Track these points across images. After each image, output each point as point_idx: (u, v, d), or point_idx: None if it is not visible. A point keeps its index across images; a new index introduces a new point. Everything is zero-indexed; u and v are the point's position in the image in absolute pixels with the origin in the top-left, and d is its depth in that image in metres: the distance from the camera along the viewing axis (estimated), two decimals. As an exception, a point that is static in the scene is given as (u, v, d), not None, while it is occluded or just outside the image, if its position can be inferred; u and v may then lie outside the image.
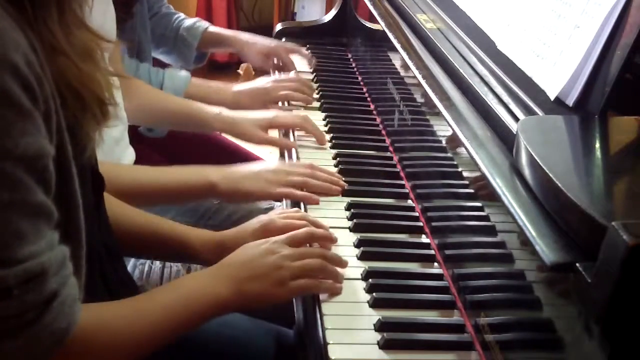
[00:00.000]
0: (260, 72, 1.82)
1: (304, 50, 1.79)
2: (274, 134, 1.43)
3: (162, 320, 0.82)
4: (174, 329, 0.83)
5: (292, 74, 1.64)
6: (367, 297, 0.95)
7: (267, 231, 1.01)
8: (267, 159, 1.65)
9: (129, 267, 1.19)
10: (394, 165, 1.30)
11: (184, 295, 0.86)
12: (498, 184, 0.81)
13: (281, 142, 1.38)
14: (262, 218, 1.04)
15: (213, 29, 1.78)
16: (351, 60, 1.82)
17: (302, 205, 1.16)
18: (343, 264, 0.99)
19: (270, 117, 1.40)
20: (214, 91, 1.58)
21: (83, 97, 0.70)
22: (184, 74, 1.57)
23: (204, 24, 1.77)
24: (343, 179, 1.22)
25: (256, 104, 1.54)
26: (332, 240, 1.03)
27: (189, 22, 1.76)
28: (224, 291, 0.87)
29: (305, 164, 1.22)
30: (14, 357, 0.66)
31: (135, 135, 1.41)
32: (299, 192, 1.16)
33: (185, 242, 1.02)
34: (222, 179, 1.13)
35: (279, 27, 1.96)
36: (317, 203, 1.16)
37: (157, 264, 1.29)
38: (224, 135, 1.72)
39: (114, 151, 1.26)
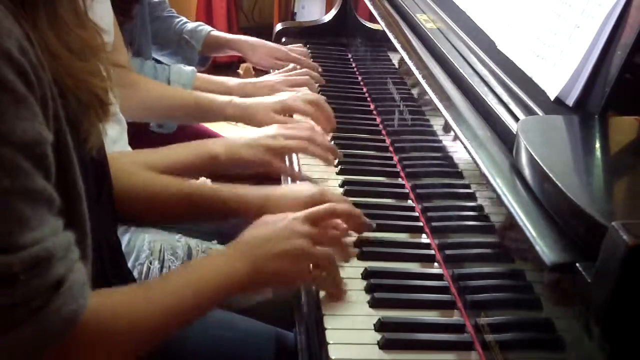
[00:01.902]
0: (261, 71, 1.83)
1: (308, 60, 1.78)
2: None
3: (176, 300, 0.80)
4: (189, 309, 0.82)
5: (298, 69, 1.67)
6: (367, 297, 0.95)
7: (316, 204, 1.00)
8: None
9: (128, 266, 1.19)
10: (394, 165, 1.30)
11: (199, 272, 0.85)
12: (498, 184, 0.81)
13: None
14: (314, 189, 1.04)
15: (216, 32, 1.80)
16: (351, 60, 1.82)
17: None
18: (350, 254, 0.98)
19: (284, 99, 1.40)
20: (219, 84, 1.61)
21: (80, 96, 0.69)
22: (189, 68, 1.59)
23: (206, 27, 1.79)
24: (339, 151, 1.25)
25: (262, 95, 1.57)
26: (358, 216, 1.00)
27: (191, 25, 1.78)
28: (240, 267, 0.85)
29: (305, 126, 1.22)
30: (25, 344, 0.65)
31: (135, 135, 1.41)
32: (296, 172, 1.19)
33: (230, 200, 1.02)
34: (222, 150, 1.14)
35: (279, 27, 1.96)
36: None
37: (156, 263, 1.29)
38: (224, 135, 1.72)
39: (112, 151, 1.26)
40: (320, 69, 1.70)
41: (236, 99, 1.42)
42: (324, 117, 1.37)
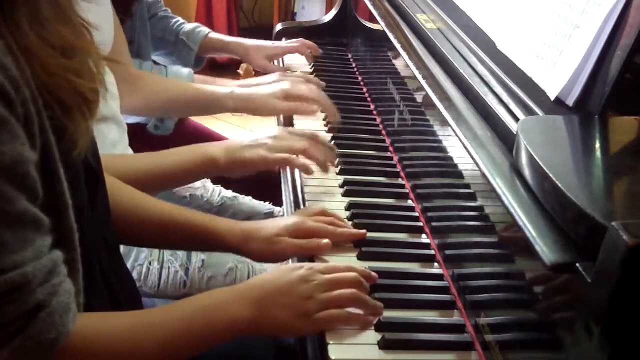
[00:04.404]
0: (261, 72, 1.82)
1: (305, 49, 1.79)
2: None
3: (171, 335, 0.79)
4: (184, 347, 0.80)
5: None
6: (367, 297, 0.95)
7: (298, 230, 1.00)
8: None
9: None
10: (394, 165, 1.30)
11: (200, 310, 0.83)
12: (498, 184, 0.81)
13: (301, 107, 1.36)
14: (293, 218, 1.04)
15: (214, 35, 1.79)
16: (351, 60, 1.82)
17: (301, 200, 1.16)
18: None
19: (286, 86, 1.39)
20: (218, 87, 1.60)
21: (61, 96, 0.68)
22: (186, 71, 1.59)
23: (204, 29, 1.78)
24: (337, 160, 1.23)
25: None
26: (373, 279, 0.94)
27: (188, 26, 1.77)
28: (245, 312, 0.83)
29: (307, 130, 1.21)
30: None
31: (134, 136, 1.41)
32: (297, 161, 1.15)
33: (212, 229, 1.00)
34: (221, 152, 1.13)
35: (279, 27, 1.96)
36: (311, 173, 1.16)
37: (155, 265, 1.29)
38: (224, 135, 1.72)
39: (113, 154, 1.26)
40: (323, 84, 1.66)
41: (237, 90, 1.42)
42: (326, 103, 1.36)
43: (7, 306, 0.63)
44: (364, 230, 1.06)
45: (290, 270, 0.89)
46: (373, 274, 0.94)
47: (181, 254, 1.30)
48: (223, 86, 1.59)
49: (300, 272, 0.88)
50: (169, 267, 1.29)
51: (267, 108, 1.37)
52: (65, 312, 0.68)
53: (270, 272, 0.91)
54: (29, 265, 0.64)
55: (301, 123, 1.45)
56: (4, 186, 0.62)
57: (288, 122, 1.53)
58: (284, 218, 1.05)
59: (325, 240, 1.01)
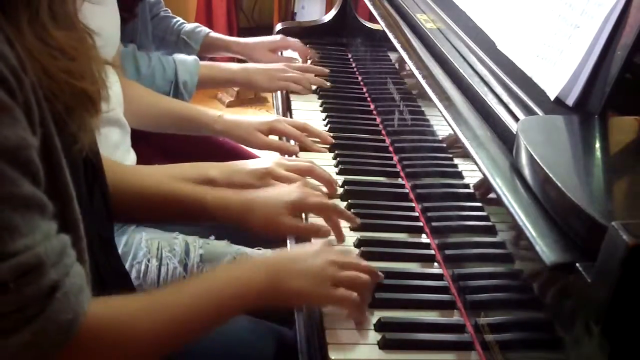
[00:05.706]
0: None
1: (305, 48, 1.81)
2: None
3: (187, 310, 0.80)
4: (201, 319, 0.81)
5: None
6: (367, 297, 0.95)
7: (300, 207, 1.03)
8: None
9: (126, 266, 1.18)
10: (394, 165, 1.30)
11: (212, 281, 0.84)
12: (498, 184, 0.81)
13: (283, 146, 1.37)
14: (295, 192, 1.04)
15: (214, 34, 1.80)
16: (351, 60, 1.82)
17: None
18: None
19: (271, 120, 1.40)
20: (223, 70, 1.64)
21: (63, 98, 0.68)
22: (192, 58, 1.60)
23: (205, 29, 1.79)
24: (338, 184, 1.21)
25: (265, 80, 1.62)
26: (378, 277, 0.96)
27: (189, 26, 1.78)
28: (258, 279, 0.85)
29: (305, 162, 1.21)
30: (23, 353, 0.65)
31: (134, 135, 1.41)
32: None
33: (211, 206, 1.02)
34: (219, 174, 1.14)
35: (279, 27, 1.96)
36: None
37: (154, 262, 1.29)
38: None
39: (114, 156, 1.26)
40: (327, 71, 1.69)
41: (226, 115, 1.43)
42: (315, 136, 1.37)
43: (24, 288, 0.63)
44: (358, 220, 1.08)
45: (309, 245, 0.94)
46: (380, 274, 0.95)
47: (179, 249, 1.30)
48: (229, 69, 1.63)
49: (316, 248, 0.93)
50: (167, 264, 1.28)
51: (248, 139, 1.40)
52: (79, 292, 0.68)
53: (284, 249, 0.95)
54: (40, 247, 0.64)
55: (300, 114, 1.49)
56: (8, 169, 0.62)
57: (286, 106, 1.56)
58: (285, 190, 1.06)
59: (326, 226, 1.04)
